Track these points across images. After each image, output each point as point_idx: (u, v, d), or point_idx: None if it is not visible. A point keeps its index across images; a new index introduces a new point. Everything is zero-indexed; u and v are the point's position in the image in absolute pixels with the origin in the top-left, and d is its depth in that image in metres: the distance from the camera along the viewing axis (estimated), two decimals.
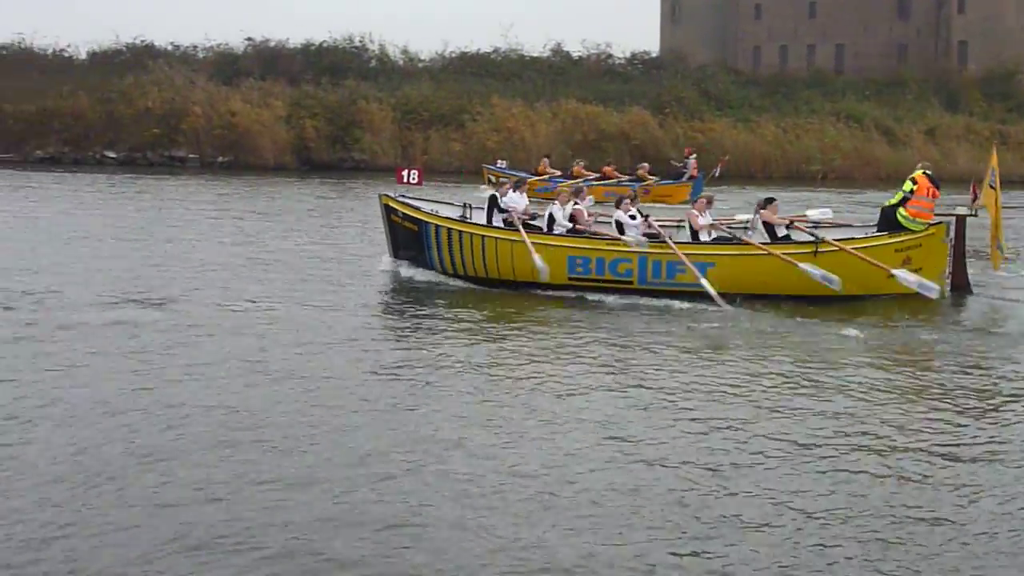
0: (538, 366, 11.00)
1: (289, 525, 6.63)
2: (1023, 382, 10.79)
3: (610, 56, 60.90)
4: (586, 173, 34.23)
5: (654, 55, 65.33)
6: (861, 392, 10.17)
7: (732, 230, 16.43)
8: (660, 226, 16.11)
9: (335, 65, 56.05)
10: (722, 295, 14.63)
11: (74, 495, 7.09)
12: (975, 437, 8.77)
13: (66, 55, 60.05)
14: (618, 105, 52.54)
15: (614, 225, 16.21)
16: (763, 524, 6.79)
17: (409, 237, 17.22)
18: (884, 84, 60.03)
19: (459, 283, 16.35)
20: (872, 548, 6.45)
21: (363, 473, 7.57)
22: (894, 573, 6.16)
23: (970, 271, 16.34)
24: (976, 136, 52.50)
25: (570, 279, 15.62)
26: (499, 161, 39.06)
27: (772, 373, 10.86)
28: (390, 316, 14.32)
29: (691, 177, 34.38)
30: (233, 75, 54.78)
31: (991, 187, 16.02)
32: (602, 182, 33.38)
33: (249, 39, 59.19)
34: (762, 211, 16.16)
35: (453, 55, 58.98)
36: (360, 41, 58.86)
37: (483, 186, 34.87)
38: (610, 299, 15.10)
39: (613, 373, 10.79)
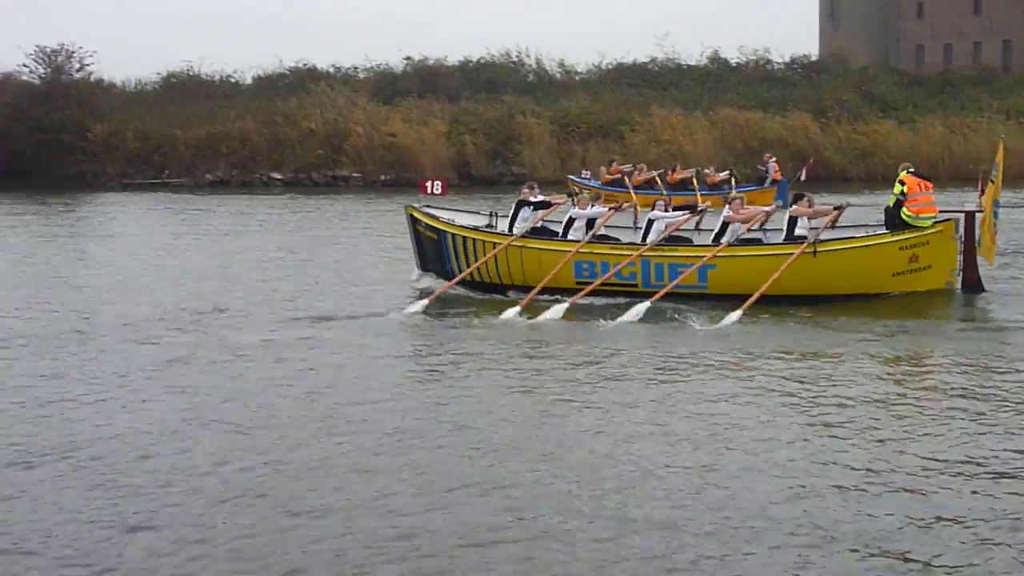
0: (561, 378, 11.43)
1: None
2: None
3: (768, 61, 60.63)
4: (684, 175, 35.09)
5: (814, 58, 64.83)
6: (883, 397, 10.31)
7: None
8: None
9: (493, 81, 57.38)
10: (725, 296, 15.14)
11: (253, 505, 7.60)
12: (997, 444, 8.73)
13: (233, 80, 63.05)
14: (778, 111, 52.46)
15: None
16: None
17: (432, 248, 17.91)
18: None
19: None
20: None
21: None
22: None
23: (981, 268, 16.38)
24: None
25: (577, 282, 16.16)
26: (584, 172, 39.58)
27: (784, 380, 10.97)
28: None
29: (773, 181, 34.89)
30: (393, 94, 56.46)
31: (991, 182, 16.25)
32: (682, 192, 33.01)
33: (408, 58, 60.81)
34: (793, 207, 16.45)
35: (610, 67, 59.62)
36: (517, 56, 60.08)
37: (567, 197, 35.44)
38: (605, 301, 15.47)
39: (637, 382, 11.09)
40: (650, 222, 16.66)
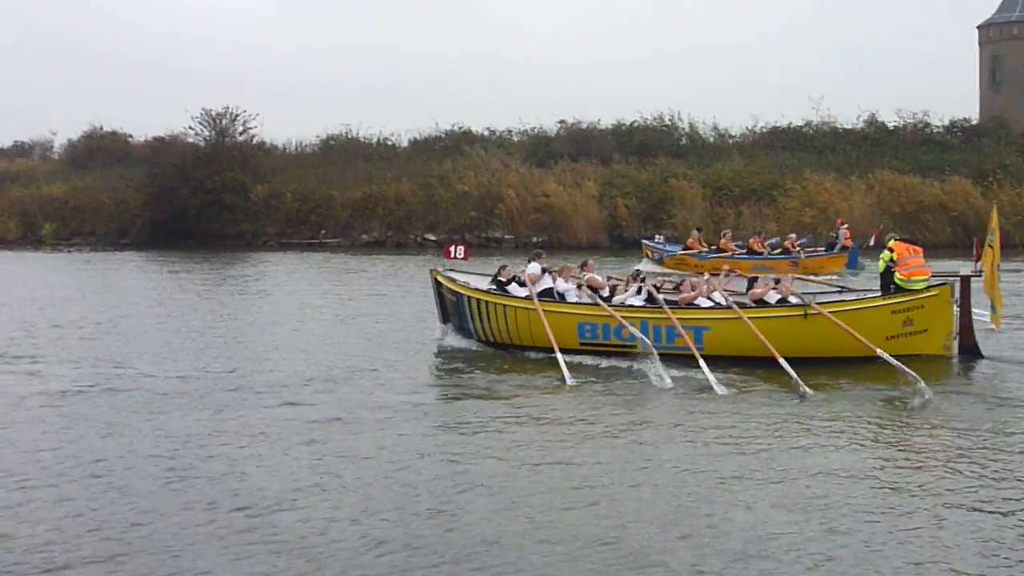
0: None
1: None
2: None
3: (927, 124, 59.97)
4: (732, 247, 35.67)
5: (974, 122, 64.26)
6: (872, 457, 10.48)
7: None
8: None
9: (646, 144, 58.28)
10: (718, 358, 15.36)
11: None
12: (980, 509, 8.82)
13: (389, 143, 65.82)
14: (937, 175, 52.06)
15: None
16: None
17: (453, 308, 18.93)
18: None
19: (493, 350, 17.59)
20: None
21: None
22: None
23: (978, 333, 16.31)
24: None
25: (581, 344, 16.69)
26: (657, 236, 40.91)
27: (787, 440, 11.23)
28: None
29: (844, 248, 35.19)
30: (546, 157, 58.04)
31: (989, 246, 16.26)
32: (751, 255, 34.45)
33: (561, 122, 62.43)
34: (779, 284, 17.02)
35: (763, 130, 60.04)
36: (670, 120, 60.92)
37: (644, 259, 36.51)
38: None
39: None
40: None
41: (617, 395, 13.97)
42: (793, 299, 16.54)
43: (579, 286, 17.87)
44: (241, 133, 61.16)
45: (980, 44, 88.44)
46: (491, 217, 53.33)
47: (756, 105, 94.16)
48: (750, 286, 17.42)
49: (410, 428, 11.96)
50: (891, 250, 16.84)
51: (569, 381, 14.61)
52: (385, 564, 7.68)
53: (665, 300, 17.09)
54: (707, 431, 11.69)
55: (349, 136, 65.98)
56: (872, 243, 37.03)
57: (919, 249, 16.79)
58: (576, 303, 17.49)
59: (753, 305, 16.76)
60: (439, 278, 19.46)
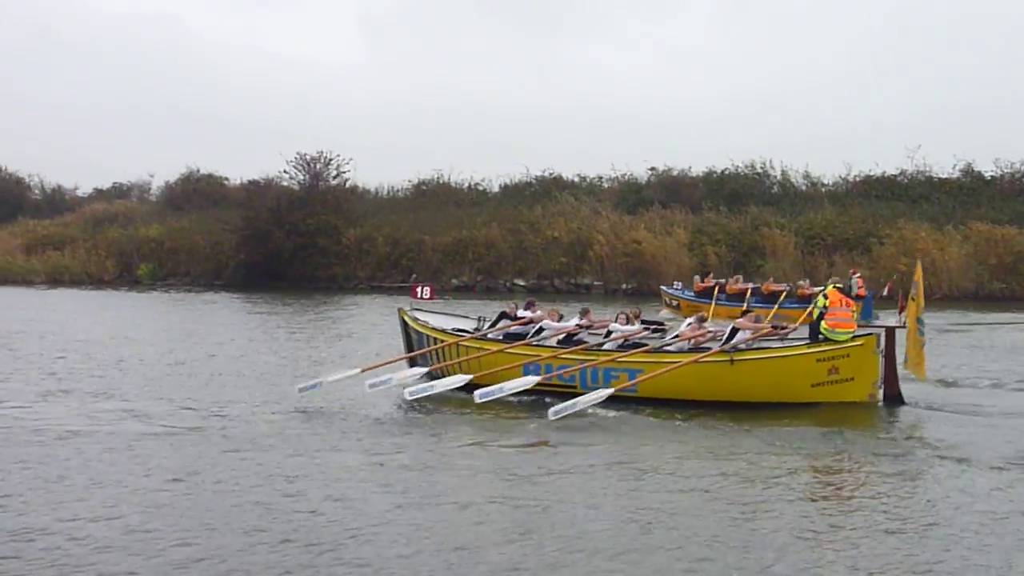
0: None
1: None
2: (946, 495, 11.19)
3: None
4: (776, 288, 36.96)
5: None
6: (783, 499, 11.03)
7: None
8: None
9: (737, 192, 58.83)
10: (652, 400, 16.23)
11: None
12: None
13: (480, 188, 67.21)
14: None
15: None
16: None
17: (417, 344, 20.02)
18: None
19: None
20: None
21: None
22: None
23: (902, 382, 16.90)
24: None
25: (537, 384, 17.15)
26: (675, 283, 41.68)
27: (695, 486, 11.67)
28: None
29: (858, 296, 35.03)
30: (637, 204, 58.88)
31: (912, 299, 17.07)
32: (763, 302, 34.96)
33: (652, 168, 63.19)
34: (738, 320, 17.75)
35: (857, 178, 59.95)
36: (762, 167, 61.27)
37: (663, 310, 37.03)
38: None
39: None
40: (609, 332, 18.47)
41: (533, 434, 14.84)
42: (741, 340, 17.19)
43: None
44: (334, 177, 62.88)
45: None
46: (581, 263, 54.21)
47: (849, 153, 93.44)
48: (731, 336, 17.73)
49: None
50: (826, 297, 17.40)
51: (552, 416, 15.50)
52: None
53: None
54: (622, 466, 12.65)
55: (441, 181, 67.59)
56: (886, 293, 38.51)
57: (851, 302, 17.54)
58: (525, 344, 18.54)
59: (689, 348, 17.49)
60: (405, 316, 20.76)
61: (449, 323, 20.67)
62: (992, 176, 59.60)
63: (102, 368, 20.97)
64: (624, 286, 52.78)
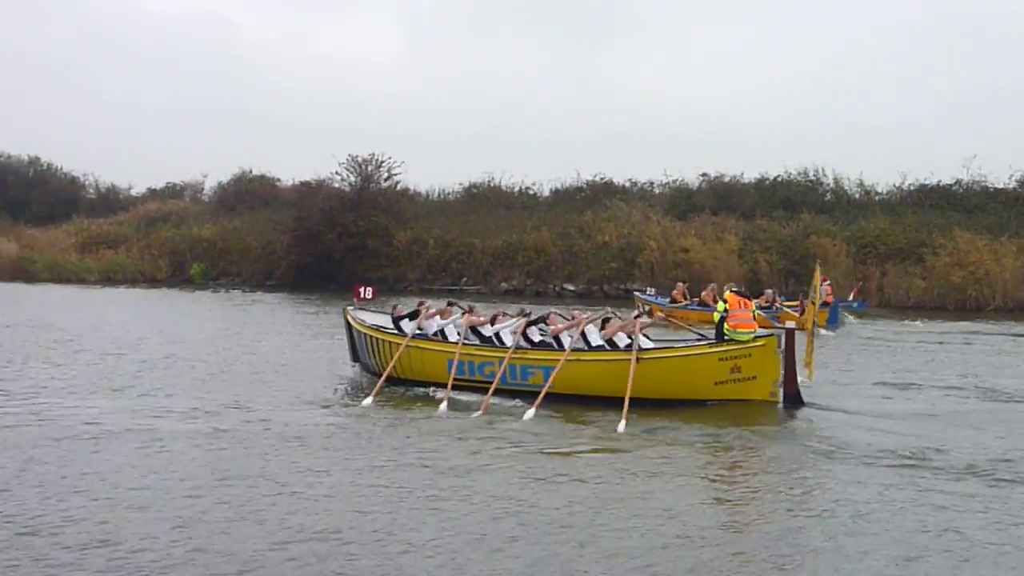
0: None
1: None
2: (836, 491, 11.64)
3: None
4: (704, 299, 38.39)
5: None
6: (682, 492, 11.50)
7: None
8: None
9: (789, 199, 58.93)
10: (568, 396, 16.97)
11: None
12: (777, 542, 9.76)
13: (531, 192, 67.99)
14: None
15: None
16: None
17: (358, 343, 20.89)
18: None
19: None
20: None
21: None
22: None
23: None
24: None
25: (455, 379, 18.03)
26: (649, 289, 44.47)
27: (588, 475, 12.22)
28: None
29: (824, 303, 36.13)
30: (687, 210, 59.31)
31: (812, 303, 18.16)
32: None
33: (704, 175, 63.38)
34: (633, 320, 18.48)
35: (911, 187, 59.67)
36: (815, 175, 61.23)
37: (636, 309, 37.50)
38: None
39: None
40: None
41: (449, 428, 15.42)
42: (644, 341, 17.94)
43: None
44: (386, 179, 63.94)
45: None
46: (631, 268, 54.58)
47: (904, 162, 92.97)
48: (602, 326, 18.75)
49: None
50: (726, 301, 18.23)
51: (444, 414, 16.46)
52: None
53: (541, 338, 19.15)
54: (534, 457, 13.23)
55: (491, 185, 68.47)
56: (852, 298, 41.11)
57: (750, 304, 18.31)
58: (448, 342, 19.30)
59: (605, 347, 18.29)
60: (348, 316, 21.69)
61: (376, 321, 21.71)
62: None
63: (152, 365, 21.54)
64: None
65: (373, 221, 60.15)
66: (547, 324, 19.30)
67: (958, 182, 59.77)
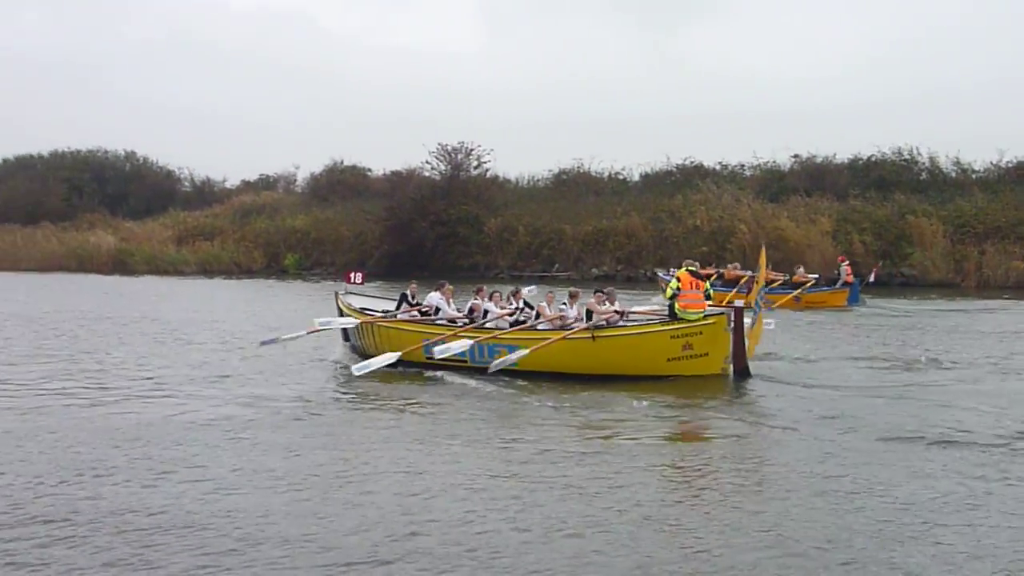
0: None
1: None
2: (782, 457, 12.48)
3: None
4: (741, 274, 39.73)
5: None
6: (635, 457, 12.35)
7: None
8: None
9: (883, 179, 58.26)
10: (531, 373, 18.13)
11: None
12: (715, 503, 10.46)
13: (620, 177, 68.38)
14: None
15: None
16: None
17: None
18: None
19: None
20: None
21: None
22: None
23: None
24: None
25: (426, 358, 19.26)
26: (672, 270, 42.97)
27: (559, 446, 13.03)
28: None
29: (845, 283, 38.25)
30: (779, 192, 59.15)
31: (756, 282, 19.47)
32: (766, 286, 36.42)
33: (795, 156, 62.97)
34: (588, 301, 19.79)
35: (1010, 165, 58.55)
36: (909, 154, 60.46)
37: (659, 296, 37.74)
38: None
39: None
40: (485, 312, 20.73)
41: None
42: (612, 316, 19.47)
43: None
44: (475, 167, 64.90)
45: None
46: (723, 252, 54.59)
47: (1002, 139, 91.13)
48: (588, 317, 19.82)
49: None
50: (679, 279, 19.28)
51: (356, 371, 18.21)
52: None
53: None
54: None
55: (581, 171, 68.92)
56: (872, 279, 41.83)
57: (702, 284, 19.41)
58: (423, 322, 21.05)
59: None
60: (338, 300, 23.78)
61: (379, 305, 23.84)
62: None
63: (249, 355, 22.30)
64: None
65: (463, 209, 61.14)
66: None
67: None
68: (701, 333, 18.44)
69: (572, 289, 21.43)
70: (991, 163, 59.30)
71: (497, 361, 17.74)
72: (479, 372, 18.50)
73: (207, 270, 65.06)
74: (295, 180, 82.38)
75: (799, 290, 37.77)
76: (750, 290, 20.37)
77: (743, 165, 65.81)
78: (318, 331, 21.24)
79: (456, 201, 61.50)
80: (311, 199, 74.37)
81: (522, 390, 17.60)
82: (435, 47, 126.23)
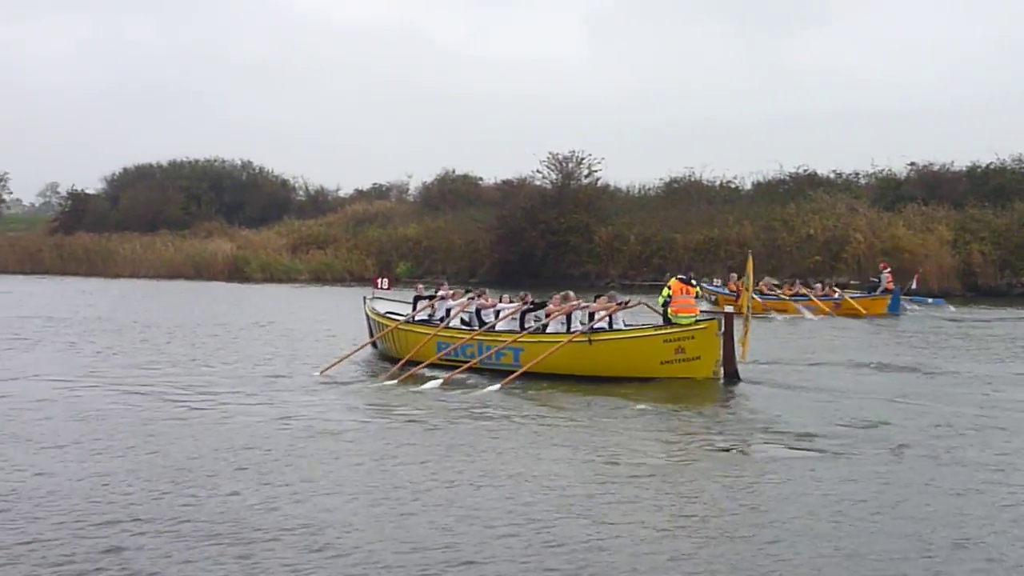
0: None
1: None
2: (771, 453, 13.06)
3: None
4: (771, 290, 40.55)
5: None
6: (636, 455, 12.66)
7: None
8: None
9: (1002, 187, 57.69)
10: (535, 374, 18.86)
11: None
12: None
13: (732, 186, 68.63)
14: None
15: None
16: None
17: (374, 329, 24.07)
18: None
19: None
20: None
21: None
22: None
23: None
24: None
25: (438, 357, 20.72)
26: (716, 280, 46.20)
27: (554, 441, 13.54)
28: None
29: (886, 290, 38.76)
30: (895, 200, 58.72)
31: (746, 290, 20.36)
32: (793, 296, 39.42)
33: (912, 164, 62.63)
34: (593, 303, 20.73)
35: None
36: None
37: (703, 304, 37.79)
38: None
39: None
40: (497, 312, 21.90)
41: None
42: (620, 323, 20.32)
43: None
44: (586, 176, 65.53)
45: None
46: (836, 262, 54.36)
47: None
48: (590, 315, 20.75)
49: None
50: (669, 287, 20.64)
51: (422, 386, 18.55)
52: None
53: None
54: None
55: (692, 179, 69.26)
56: (914, 286, 41.74)
57: (692, 290, 20.59)
58: (434, 325, 22.22)
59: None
60: (365, 306, 25.19)
61: (404, 310, 24.56)
62: None
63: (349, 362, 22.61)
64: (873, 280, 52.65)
65: (574, 218, 61.73)
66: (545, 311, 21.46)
67: None
68: (693, 337, 19.30)
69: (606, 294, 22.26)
70: None
71: (505, 381, 18.59)
72: (498, 375, 19.18)
73: (320, 278, 66.43)
74: (407, 189, 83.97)
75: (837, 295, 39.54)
76: (740, 296, 21.59)
77: (858, 173, 65.83)
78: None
79: (567, 210, 62.13)
80: (423, 208, 75.67)
81: (521, 389, 18.27)
82: (539, 56, 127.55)
